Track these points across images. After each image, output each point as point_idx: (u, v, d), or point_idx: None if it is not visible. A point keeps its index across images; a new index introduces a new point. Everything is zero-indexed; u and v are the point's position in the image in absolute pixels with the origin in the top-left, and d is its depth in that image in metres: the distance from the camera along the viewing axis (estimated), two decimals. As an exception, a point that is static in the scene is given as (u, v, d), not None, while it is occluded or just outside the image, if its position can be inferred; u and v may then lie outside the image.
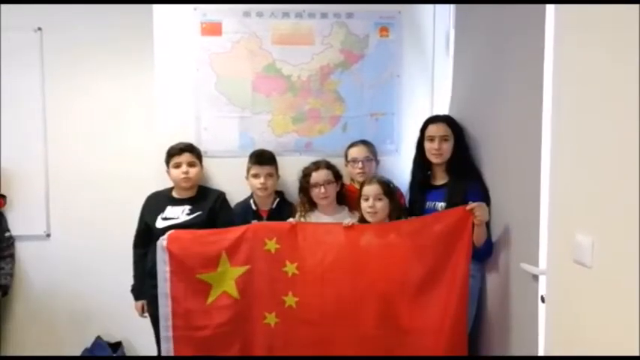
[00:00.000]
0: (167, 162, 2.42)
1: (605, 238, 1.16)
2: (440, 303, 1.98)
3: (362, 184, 2.24)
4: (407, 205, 2.38)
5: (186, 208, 2.39)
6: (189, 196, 2.43)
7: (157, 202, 2.44)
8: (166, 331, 2.16)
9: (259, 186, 2.40)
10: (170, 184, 2.46)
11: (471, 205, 1.93)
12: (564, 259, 1.32)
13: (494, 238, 2.03)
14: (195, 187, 2.45)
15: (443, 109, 2.58)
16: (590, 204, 1.23)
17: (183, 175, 2.36)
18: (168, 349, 2.16)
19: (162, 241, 2.14)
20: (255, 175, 2.42)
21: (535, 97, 1.65)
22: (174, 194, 2.44)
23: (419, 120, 2.39)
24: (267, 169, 2.42)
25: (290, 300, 2.15)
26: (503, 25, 1.98)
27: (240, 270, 2.16)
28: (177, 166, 2.38)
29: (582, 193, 1.26)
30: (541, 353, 1.62)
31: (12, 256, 2.88)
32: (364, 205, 2.18)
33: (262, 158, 2.45)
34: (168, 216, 2.37)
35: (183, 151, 2.39)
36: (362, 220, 2.21)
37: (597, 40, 1.21)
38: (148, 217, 2.41)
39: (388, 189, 2.18)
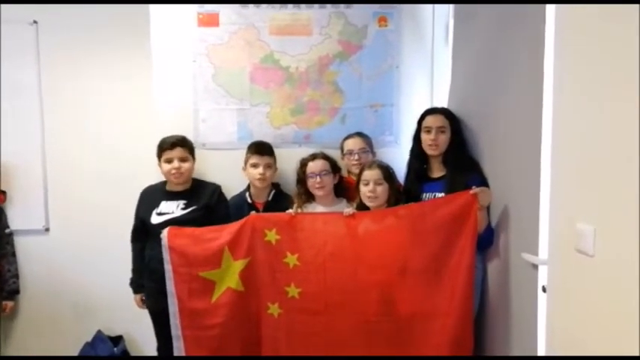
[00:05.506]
0: (158, 156, 2.36)
1: (608, 226, 1.15)
2: (446, 287, 1.97)
3: (361, 169, 2.22)
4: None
5: (181, 202, 2.35)
6: (183, 190, 2.38)
7: (151, 197, 2.40)
8: (176, 329, 2.16)
9: (258, 176, 2.38)
10: (166, 178, 2.44)
11: (475, 189, 1.92)
12: (566, 248, 1.31)
13: (494, 228, 2.02)
14: (189, 180, 2.40)
15: (443, 100, 2.56)
16: (592, 192, 1.22)
17: (174, 171, 2.31)
18: (179, 348, 2.16)
19: (164, 240, 2.14)
20: (255, 165, 2.40)
21: (535, 87, 1.63)
22: (168, 188, 2.40)
23: (418, 111, 2.35)
24: (266, 159, 2.41)
25: (292, 291, 2.14)
26: (504, 15, 1.95)
27: (243, 263, 2.16)
28: (169, 161, 2.32)
29: (583, 182, 1.25)
30: (541, 344, 1.62)
31: (14, 254, 2.86)
32: (364, 189, 2.16)
33: (262, 148, 2.43)
34: (162, 211, 2.34)
35: (174, 146, 2.32)
36: (360, 206, 2.19)
37: (599, 31, 1.19)
38: (142, 212, 2.38)
39: (388, 173, 2.18)
